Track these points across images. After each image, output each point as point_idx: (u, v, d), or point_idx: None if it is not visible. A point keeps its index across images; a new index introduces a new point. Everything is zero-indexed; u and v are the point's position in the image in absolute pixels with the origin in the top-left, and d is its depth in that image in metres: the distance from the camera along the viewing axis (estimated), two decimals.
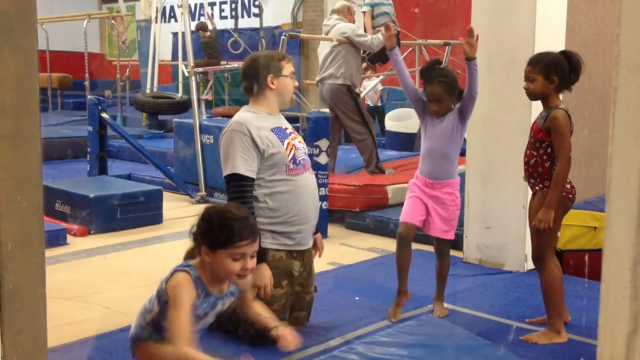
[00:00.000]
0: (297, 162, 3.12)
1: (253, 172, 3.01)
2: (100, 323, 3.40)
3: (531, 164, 3.19)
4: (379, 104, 9.91)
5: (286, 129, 3.19)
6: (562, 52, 3.18)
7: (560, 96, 3.22)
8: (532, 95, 3.19)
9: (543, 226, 3.07)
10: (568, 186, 3.15)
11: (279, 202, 3.05)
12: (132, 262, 4.60)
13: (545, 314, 3.27)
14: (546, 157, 3.12)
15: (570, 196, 3.17)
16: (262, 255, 2.82)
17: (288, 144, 3.11)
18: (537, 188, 3.19)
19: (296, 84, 3.21)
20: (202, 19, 13.38)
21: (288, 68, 3.16)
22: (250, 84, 3.16)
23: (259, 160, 3.02)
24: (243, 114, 3.12)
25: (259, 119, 3.09)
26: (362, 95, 7.61)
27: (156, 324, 2.30)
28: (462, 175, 4.77)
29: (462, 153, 6.07)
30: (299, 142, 3.22)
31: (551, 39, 4.09)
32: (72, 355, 3.00)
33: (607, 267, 0.91)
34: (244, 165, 2.98)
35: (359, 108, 6.34)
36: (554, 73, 3.09)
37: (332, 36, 6.30)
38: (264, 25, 12.14)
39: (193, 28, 9.83)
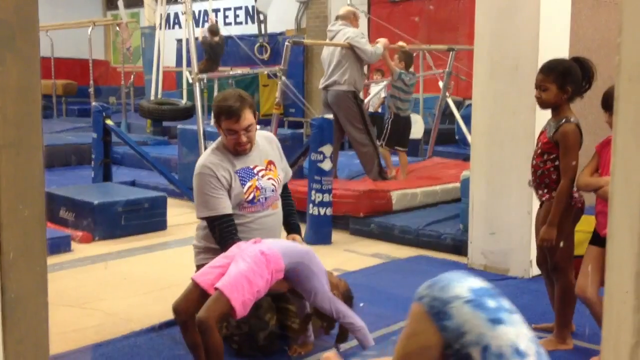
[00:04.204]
0: (255, 201, 3.18)
1: (228, 207, 3.10)
2: (103, 330, 3.40)
3: (538, 175, 3.11)
4: (380, 110, 9.89)
5: (254, 167, 3.20)
6: (575, 59, 3.06)
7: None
8: (544, 105, 3.05)
9: (546, 244, 3.04)
10: (576, 195, 3.08)
11: None
12: (136, 268, 4.60)
13: (552, 321, 3.26)
14: (553, 168, 3.04)
15: (580, 205, 3.11)
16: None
17: (250, 186, 3.16)
18: (544, 199, 3.13)
19: (241, 139, 3.10)
20: (206, 25, 13.42)
21: (225, 124, 3.11)
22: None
23: (230, 194, 3.11)
24: (210, 155, 3.17)
25: (223, 161, 3.15)
26: (366, 101, 7.62)
27: None
28: (467, 181, 4.77)
29: (467, 158, 6.09)
30: (268, 179, 3.23)
31: (555, 44, 4.08)
32: None
33: (610, 279, 0.90)
34: (218, 204, 3.08)
35: (362, 115, 6.34)
36: (568, 83, 2.96)
37: (336, 42, 6.30)
38: (269, 31, 12.15)
39: (198, 34, 9.83)
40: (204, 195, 3.09)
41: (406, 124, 6.81)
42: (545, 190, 3.11)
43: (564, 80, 2.96)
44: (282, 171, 3.35)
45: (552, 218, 3.01)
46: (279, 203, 3.33)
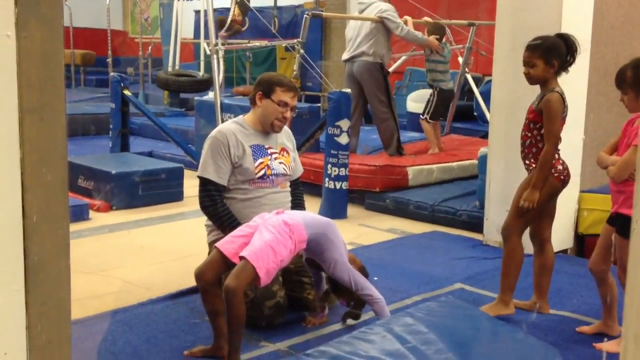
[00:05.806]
0: (265, 178, 3.25)
1: (223, 179, 3.20)
2: (121, 297, 3.45)
3: (526, 145, 3.21)
4: None
5: (269, 148, 3.30)
6: (559, 35, 3.18)
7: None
8: (533, 80, 3.17)
9: (527, 205, 3.12)
10: (560, 167, 3.17)
11: (234, 207, 3.21)
12: (153, 238, 4.65)
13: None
14: (540, 137, 3.14)
15: (562, 177, 3.18)
16: None
17: (261, 162, 3.25)
18: (531, 168, 3.21)
19: (287, 115, 3.26)
20: None
21: (280, 95, 3.23)
22: (252, 94, 3.33)
23: (231, 169, 3.20)
24: (230, 125, 3.31)
25: (242, 133, 3.26)
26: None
27: None
28: (484, 158, 4.75)
29: (485, 135, 6.04)
30: (280, 162, 3.31)
31: (578, 21, 4.02)
32: (93, 328, 3.05)
33: (634, 246, 0.89)
34: (216, 171, 3.18)
35: (387, 88, 6.30)
36: (554, 57, 3.09)
37: (368, 14, 6.23)
38: (287, 4, 12.05)
39: (215, 6, 9.73)
40: (209, 158, 3.20)
41: (450, 97, 6.94)
42: (532, 160, 3.19)
43: (550, 56, 3.10)
44: (294, 161, 3.44)
45: (535, 181, 3.12)
46: (288, 184, 3.41)
